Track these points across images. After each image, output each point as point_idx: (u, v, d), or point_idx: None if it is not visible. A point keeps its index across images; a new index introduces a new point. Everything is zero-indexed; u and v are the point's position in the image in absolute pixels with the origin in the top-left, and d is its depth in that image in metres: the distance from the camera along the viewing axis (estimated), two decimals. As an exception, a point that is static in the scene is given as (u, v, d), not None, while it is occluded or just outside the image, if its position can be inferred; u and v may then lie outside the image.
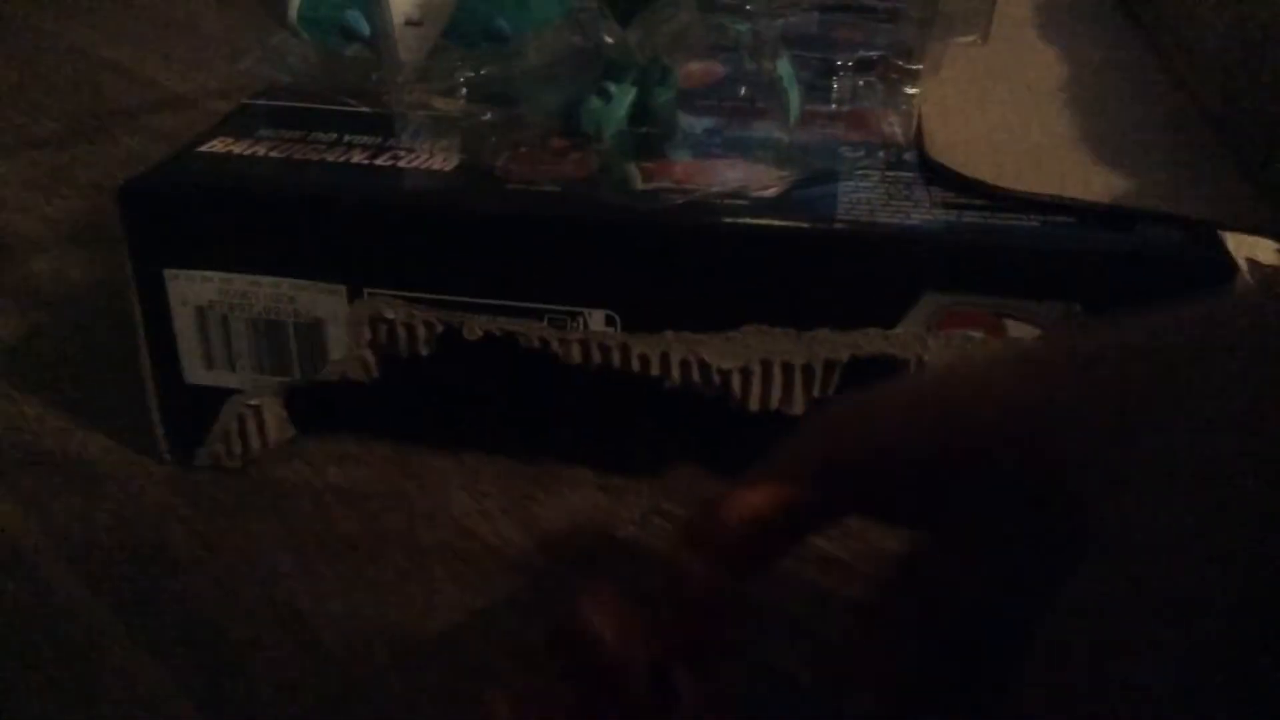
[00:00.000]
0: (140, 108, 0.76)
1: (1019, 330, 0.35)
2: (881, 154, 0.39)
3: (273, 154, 0.40)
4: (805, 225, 0.35)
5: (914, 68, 0.40)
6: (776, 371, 0.37)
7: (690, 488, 0.41)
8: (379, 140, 0.41)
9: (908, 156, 0.39)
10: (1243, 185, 0.37)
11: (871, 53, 0.43)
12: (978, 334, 0.35)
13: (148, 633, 0.35)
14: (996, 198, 0.36)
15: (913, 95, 0.41)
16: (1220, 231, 0.34)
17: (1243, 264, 0.35)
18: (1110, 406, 0.21)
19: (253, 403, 0.41)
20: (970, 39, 0.47)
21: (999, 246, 0.34)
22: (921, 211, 0.36)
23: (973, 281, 0.35)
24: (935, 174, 0.38)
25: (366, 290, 0.38)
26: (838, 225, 0.35)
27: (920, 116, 0.41)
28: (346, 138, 0.41)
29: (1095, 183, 0.36)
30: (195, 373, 0.41)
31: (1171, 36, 0.47)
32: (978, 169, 0.37)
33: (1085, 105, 0.43)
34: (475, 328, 0.38)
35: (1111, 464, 0.20)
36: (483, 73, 0.42)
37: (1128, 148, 0.39)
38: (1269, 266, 0.45)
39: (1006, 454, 0.22)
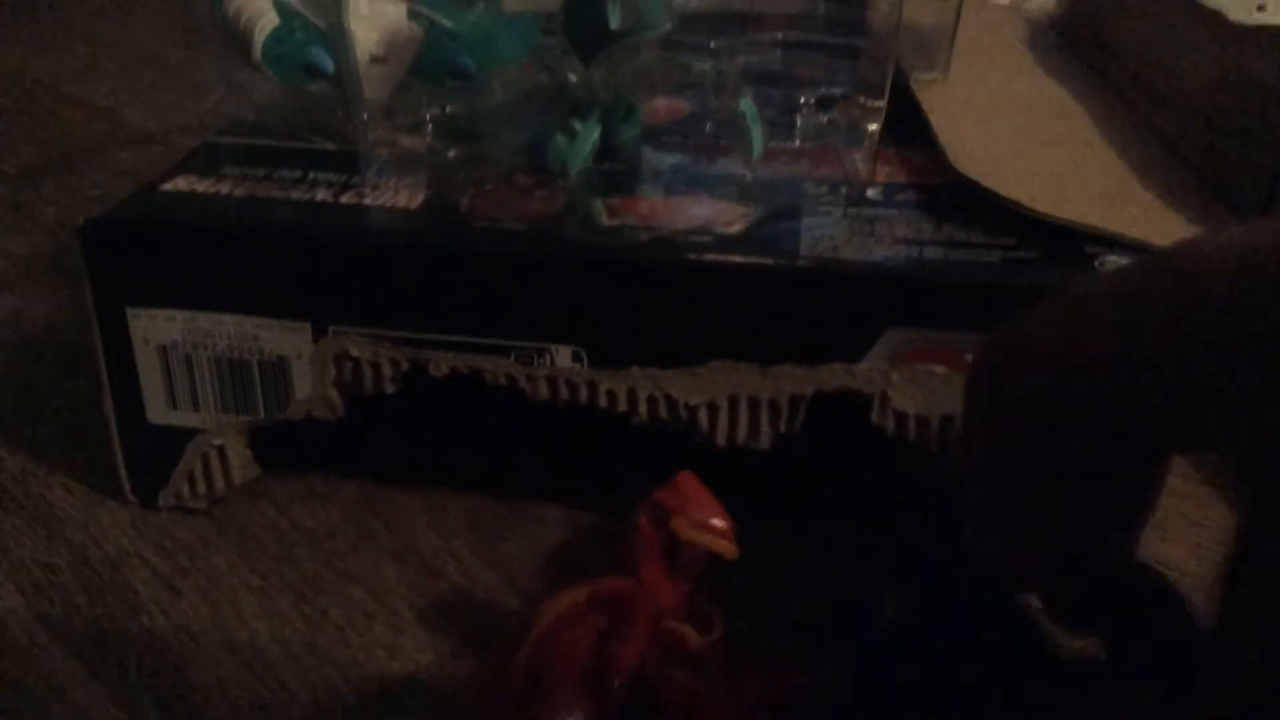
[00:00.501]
0: (107, 144, 0.75)
1: (982, 364, 0.35)
2: (844, 190, 0.40)
3: (236, 192, 0.40)
4: (769, 262, 0.36)
5: (876, 105, 0.41)
6: (743, 407, 0.37)
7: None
8: (344, 178, 0.41)
9: (870, 193, 0.40)
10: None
11: (834, 90, 0.44)
12: (941, 368, 0.35)
13: (109, 675, 0.35)
14: (1023, 234, 0.36)
15: (874, 131, 0.41)
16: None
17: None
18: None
19: (217, 442, 0.41)
20: (931, 76, 0.47)
21: (961, 282, 0.35)
22: (884, 248, 0.36)
23: (935, 317, 0.35)
24: (954, 210, 0.38)
25: (331, 328, 0.38)
26: (801, 262, 0.35)
27: (937, 133, 0.41)
28: (311, 175, 0.41)
29: (1122, 218, 0.37)
30: (158, 412, 0.41)
31: (1143, 87, 0.47)
32: (1004, 190, 0.37)
33: (1086, 141, 0.43)
34: (441, 365, 0.38)
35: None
36: (448, 110, 0.42)
37: (1142, 186, 0.40)
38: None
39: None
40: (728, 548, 0.31)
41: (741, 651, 0.30)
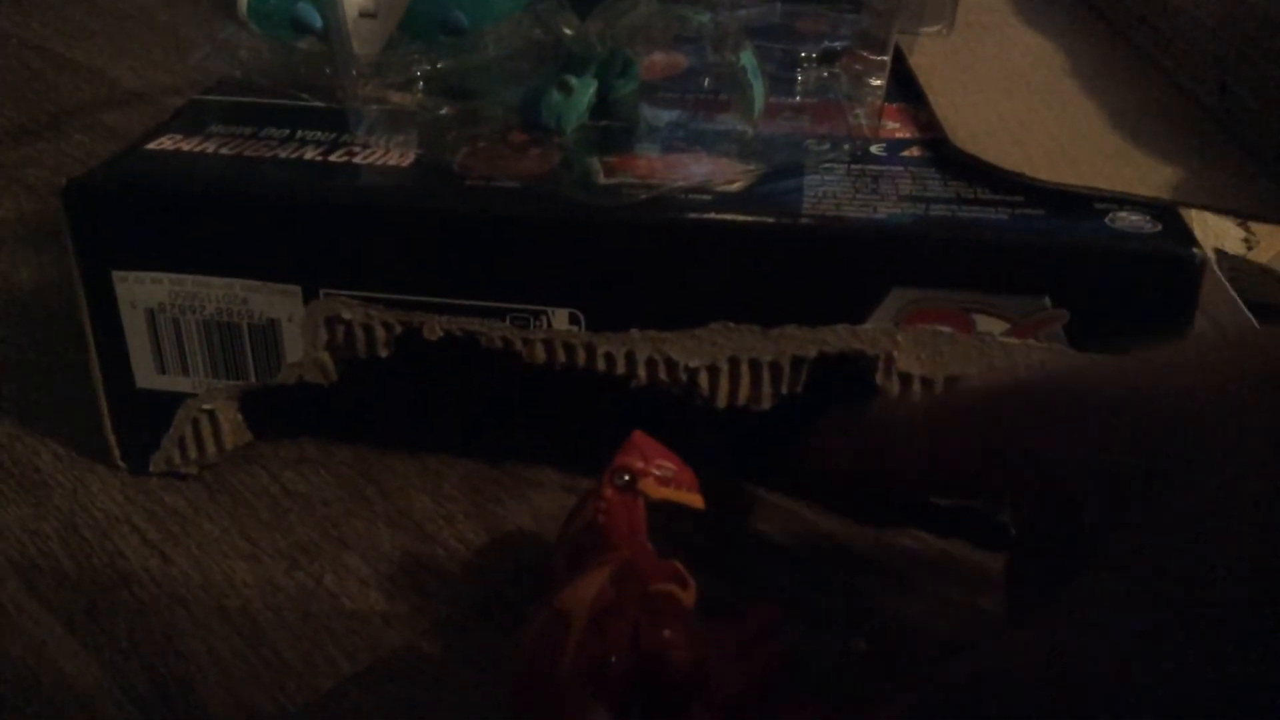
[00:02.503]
0: (94, 104, 0.74)
1: (988, 325, 0.34)
2: (847, 147, 0.39)
3: (223, 151, 0.39)
4: (771, 220, 0.35)
5: (879, 59, 0.40)
6: (744, 369, 0.36)
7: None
8: (333, 136, 0.40)
9: (874, 149, 0.39)
10: (1257, 175, 0.36)
11: (836, 44, 0.43)
12: (946, 329, 0.34)
13: (98, 645, 0.34)
14: (1031, 190, 0.35)
15: (878, 86, 0.40)
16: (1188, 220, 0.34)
17: (1211, 255, 0.35)
18: (1130, 460, 0.23)
19: (207, 407, 0.40)
20: (936, 29, 0.46)
21: (967, 240, 0.34)
22: (888, 205, 0.35)
23: (941, 276, 0.34)
24: (960, 167, 0.37)
25: (323, 290, 0.37)
26: (804, 220, 0.35)
27: (934, 107, 0.40)
28: (300, 134, 0.40)
29: (1127, 174, 0.36)
30: (147, 377, 0.40)
31: (1149, 29, 0.46)
32: (1007, 161, 0.36)
33: (1090, 95, 0.42)
34: (435, 328, 0.37)
35: (1128, 515, 0.22)
36: (440, 66, 0.41)
37: (1147, 137, 0.39)
38: (1235, 257, 0.45)
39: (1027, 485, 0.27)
40: (697, 499, 0.31)
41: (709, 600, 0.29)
